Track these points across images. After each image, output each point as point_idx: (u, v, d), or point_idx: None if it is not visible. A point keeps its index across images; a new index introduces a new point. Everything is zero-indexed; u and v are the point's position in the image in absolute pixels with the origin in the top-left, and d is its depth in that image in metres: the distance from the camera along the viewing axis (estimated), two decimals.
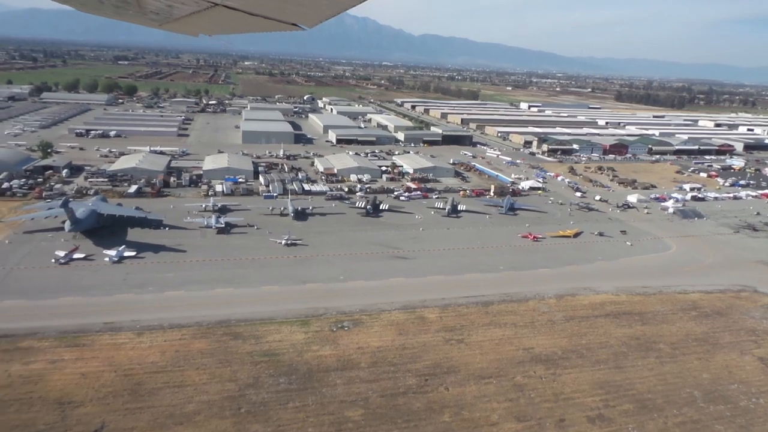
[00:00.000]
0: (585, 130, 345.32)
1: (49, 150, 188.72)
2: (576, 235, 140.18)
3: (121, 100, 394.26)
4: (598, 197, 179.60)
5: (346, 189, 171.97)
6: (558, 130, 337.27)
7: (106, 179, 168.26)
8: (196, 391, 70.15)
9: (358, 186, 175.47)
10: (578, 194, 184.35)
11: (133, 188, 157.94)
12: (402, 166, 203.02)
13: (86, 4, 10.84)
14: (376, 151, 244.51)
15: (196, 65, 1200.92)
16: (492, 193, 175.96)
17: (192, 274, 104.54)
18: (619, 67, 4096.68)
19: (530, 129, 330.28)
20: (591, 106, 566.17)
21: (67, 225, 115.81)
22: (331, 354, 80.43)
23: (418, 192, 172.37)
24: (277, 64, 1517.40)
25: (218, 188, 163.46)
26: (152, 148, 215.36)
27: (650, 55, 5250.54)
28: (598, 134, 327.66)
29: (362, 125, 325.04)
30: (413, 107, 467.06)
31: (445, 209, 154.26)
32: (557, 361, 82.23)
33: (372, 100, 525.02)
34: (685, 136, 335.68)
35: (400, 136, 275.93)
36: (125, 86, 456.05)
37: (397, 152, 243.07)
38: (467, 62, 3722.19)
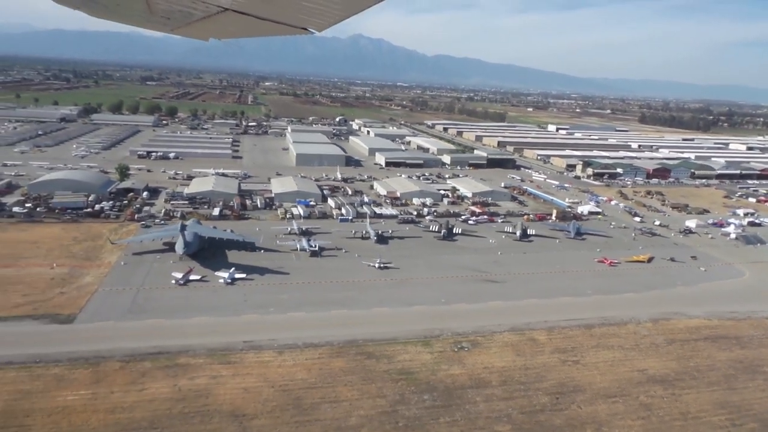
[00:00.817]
0: (621, 153, 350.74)
1: (126, 172, 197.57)
2: (649, 260, 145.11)
3: (165, 122, 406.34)
4: (657, 222, 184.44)
5: (415, 212, 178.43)
6: (595, 153, 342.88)
7: (186, 201, 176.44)
8: (352, 407, 76.04)
9: (425, 210, 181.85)
10: (637, 219, 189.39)
11: (216, 211, 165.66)
12: (459, 190, 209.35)
13: (98, 9, 11.04)
14: (426, 174, 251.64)
15: (220, 85, 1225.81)
16: (554, 218, 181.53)
17: (304, 296, 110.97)
18: (634, 88, 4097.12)
19: (568, 152, 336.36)
20: (618, 128, 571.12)
21: (179, 248, 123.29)
22: (461, 373, 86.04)
23: (484, 216, 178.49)
24: (297, 84, 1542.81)
25: (295, 211, 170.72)
26: (216, 171, 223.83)
27: (665, 76, 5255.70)
28: (638, 158, 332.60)
29: (402, 148, 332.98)
30: (445, 129, 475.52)
31: (515, 233, 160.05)
32: (673, 382, 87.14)
33: (402, 122, 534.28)
34: (722, 160, 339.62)
35: (447, 159, 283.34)
36: (166, 108, 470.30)
37: (447, 176, 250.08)
38: (480, 83, 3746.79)
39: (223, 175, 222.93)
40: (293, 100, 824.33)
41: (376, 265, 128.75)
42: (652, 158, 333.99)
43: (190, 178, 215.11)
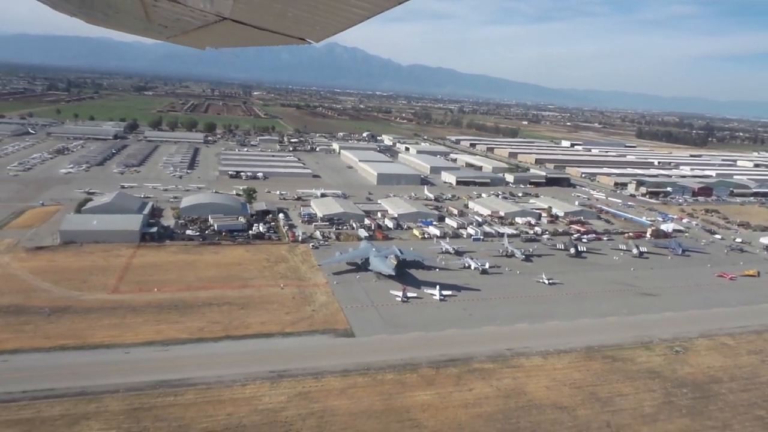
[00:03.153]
0: (652, 171, 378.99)
1: (253, 195, 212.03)
2: (758, 274, 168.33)
3: (211, 138, 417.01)
4: (739, 239, 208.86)
5: (533, 231, 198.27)
6: (629, 171, 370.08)
7: (326, 223, 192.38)
8: (636, 399, 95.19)
9: (537, 228, 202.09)
10: (717, 236, 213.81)
11: (362, 232, 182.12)
12: (553, 209, 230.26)
13: (95, 17, 11.28)
14: (499, 193, 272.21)
15: (212, 95, 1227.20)
16: (649, 236, 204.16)
17: (513, 310, 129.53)
18: (602, 99, 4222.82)
19: (605, 170, 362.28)
20: (627, 144, 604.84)
21: (387, 268, 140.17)
22: (694, 371, 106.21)
23: (591, 234, 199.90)
24: (285, 94, 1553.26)
25: (432, 231, 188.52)
26: (323, 191, 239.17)
27: (631, 88, 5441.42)
28: (682, 176, 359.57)
29: (456, 166, 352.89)
30: (472, 145, 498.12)
31: (630, 251, 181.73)
32: None
33: (426, 137, 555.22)
34: (744, 177, 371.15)
35: (509, 177, 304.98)
36: (188, 121, 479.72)
37: (520, 194, 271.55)
38: (454, 92, 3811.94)
39: (323, 195, 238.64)
40: (299, 113, 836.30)
41: (546, 281, 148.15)
42: (694, 177, 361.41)
43: (299, 198, 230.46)
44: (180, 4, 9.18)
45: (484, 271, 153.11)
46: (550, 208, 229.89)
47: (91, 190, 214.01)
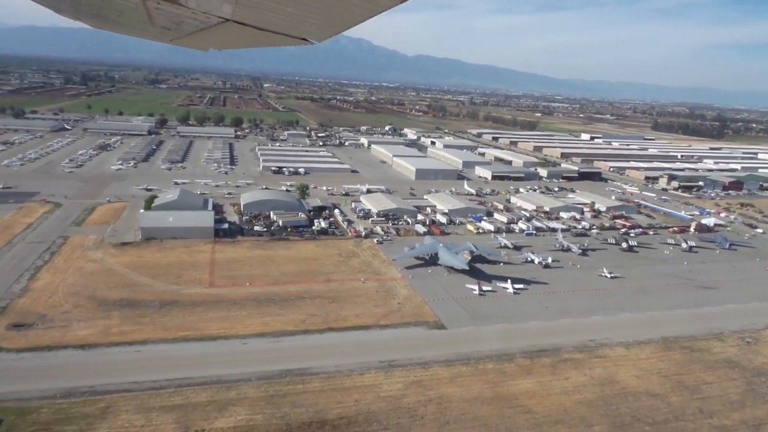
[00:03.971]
0: (678, 165, 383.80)
1: (306, 191, 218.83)
2: None
3: (240, 133, 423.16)
4: None
5: (581, 226, 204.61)
6: (655, 165, 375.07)
7: (382, 219, 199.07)
8: (720, 387, 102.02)
9: (584, 223, 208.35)
10: (759, 230, 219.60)
11: (420, 227, 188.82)
12: (596, 204, 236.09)
13: (98, 20, 11.32)
14: (536, 188, 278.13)
15: (224, 87, 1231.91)
16: (693, 230, 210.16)
17: (585, 303, 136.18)
18: (610, 89, 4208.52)
19: (632, 164, 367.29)
20: (646, 137, 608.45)
21: (461, 263, 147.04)
22: None
23: (638, 228, 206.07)
24: (295, 86, 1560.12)
25: (486, 226, 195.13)
26: (368, 187, 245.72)
27: (639, 78, 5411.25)
28: (708, 170, 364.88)
29: (486, 159, 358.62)
30: (494, 139, 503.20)
31: (679, 245, 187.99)
32: None
33: (447, 131, 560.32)
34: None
35: (543, 172, 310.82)
36: (216, 116, 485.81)
37: (556, 189, 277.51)
38: (460, 82, 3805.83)
39: (369, 191, 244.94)
40: (315, 106, 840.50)
41: (608, 275, 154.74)
42: (721, 170, 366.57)
43: (347, 194, 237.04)
44: (182, 7, 9.30)
45: (546, 266, 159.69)
46: (593, 203, 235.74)
47: (149, 187, 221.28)
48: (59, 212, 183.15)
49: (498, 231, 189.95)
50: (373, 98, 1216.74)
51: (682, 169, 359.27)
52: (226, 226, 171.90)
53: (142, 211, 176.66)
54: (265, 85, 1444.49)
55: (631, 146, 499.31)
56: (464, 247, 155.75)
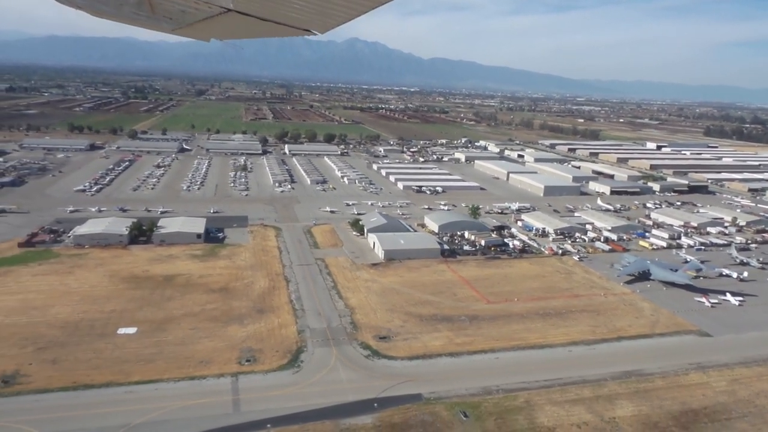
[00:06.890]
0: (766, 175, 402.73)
1: (477, 211, 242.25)
2: None
3: (346, 151, 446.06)
4: None
5: (738, 240, 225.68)
6: (746, 175, 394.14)
7: (561, 236, 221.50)
8: None
9: (740, 238, 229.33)
10: None
11: (602, 245, 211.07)
12: (738, 219, 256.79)
13: (101, 10, 11.46)
14: (663, 203, 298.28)
15: (263, 96, 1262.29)
16: None
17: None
18: (627, 89, 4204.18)
19: (723, 175, 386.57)
20: (709, 145, 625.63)
21: (684, 278, 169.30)
22: None
23: None
24: (325, 93, 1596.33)
25: (657, 243, 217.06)
26: (518, 205, 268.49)
27: (656, 77, 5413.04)
28: None
29: (586, 174, 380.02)
30: (572, 150, 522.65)
31: None
32: None
33: (518, 142, 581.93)
34: None
35: (655, 186, 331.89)
36: (324, 135, 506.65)
37: (678, 203, 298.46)
38: (476, 85, 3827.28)
39: (521, 209, 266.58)
40: (369, 116, 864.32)
41: None
42: None
43: (502, 212, 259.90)
44: None
45: (741, 279, 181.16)
46: (735, 218, 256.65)
47: (332, 210, 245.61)
48: (287, 235, 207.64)
49: (674, 247, 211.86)
50: (410, 105, 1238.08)
51: None
52: (446, 247, 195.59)
53: (371, 235, 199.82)
54: (303, 94, 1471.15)
55: (702, 155, 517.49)
56: (692, 265, 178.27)
